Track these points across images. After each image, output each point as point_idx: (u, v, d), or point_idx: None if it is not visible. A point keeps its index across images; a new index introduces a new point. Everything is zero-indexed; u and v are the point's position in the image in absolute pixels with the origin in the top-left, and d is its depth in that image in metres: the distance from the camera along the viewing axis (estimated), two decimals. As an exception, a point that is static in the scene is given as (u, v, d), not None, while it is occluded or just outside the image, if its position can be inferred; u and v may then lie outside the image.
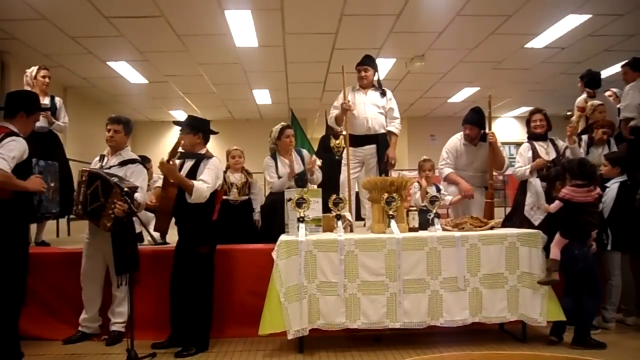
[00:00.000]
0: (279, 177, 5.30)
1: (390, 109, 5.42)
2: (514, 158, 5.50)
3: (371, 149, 5.36)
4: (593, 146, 5.20)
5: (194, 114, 4.63)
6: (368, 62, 5.46)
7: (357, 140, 5.36)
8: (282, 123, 5.55)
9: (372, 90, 5.45)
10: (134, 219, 4.05)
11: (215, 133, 4.44)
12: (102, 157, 4.53)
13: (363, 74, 5.44)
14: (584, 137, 5.30)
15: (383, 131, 5.37)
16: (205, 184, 4.02)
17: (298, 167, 5.30)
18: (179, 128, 4.36)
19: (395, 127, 5.42)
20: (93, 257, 4.37)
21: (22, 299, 3.66)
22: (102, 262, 4.39)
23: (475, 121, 5.37)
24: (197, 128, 4.28)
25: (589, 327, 4.09)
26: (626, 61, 5.91)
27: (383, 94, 5.43)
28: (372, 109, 5.35)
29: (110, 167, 4.35)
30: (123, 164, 4.40)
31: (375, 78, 5.57)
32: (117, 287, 4.31)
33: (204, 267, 4.14)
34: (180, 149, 4.28)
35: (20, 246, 3.63)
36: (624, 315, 4.72)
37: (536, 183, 4.93)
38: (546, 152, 5.09)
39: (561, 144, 5.18)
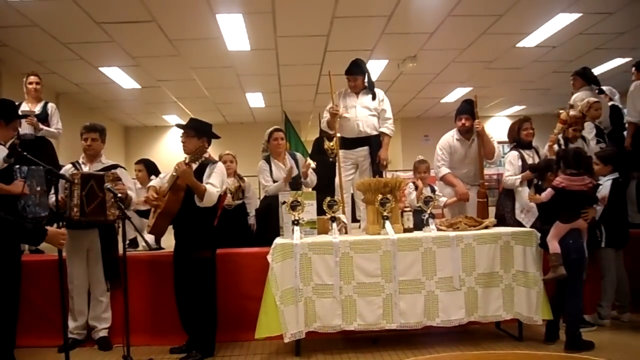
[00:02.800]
0: (274, 181, 5.30)
1: (382, 110, 5.42)
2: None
3: (364, 150, 5.37)
4: (569, 143, 5.26)
5: (196, 117, 4.49)
6: (355, 71, 5.42)
7: (350, 143, 5.37)
8: (274, 126, 5.55)
9: (363, 93, 5.45)
10: (128, 223, 4.04)
11: (217, 137, 4.38)
12: (76, 164, 4.46)
13: (352, 83, 5.45)
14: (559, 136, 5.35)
15: (375, 133, 5.38)
16: (214, 188, 4.01)
17: (295, 171, 5.30)
18: (181, 131, 4.28)
19: (387, 128, 5.41)
20: (81, 265, 4.38)
21: (16, 307, 3.65)
22: (86, 268, 4.41)
23: (470, 111, 5.39)
24: (203, 132, 4.23)
25: (575, 328, 4.01)
26: (637, 61, 6.00)
27: (374, 96, 5.43)
28: (362, 112, 5.35)
29: None
30: (106, 170, 4.40)
31: (370, 80, 5.57)
32: (107, 291, 4.39)
33: (208, 272, 4.13)
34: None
35: (11, 254, 3.61)
36: (618, 312, 4.73)
37: (524, 193, 4.94)
38: (533, 160, 5.13)
39: (543, 152, 5.23)
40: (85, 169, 4.42)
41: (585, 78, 6.01)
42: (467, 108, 5.43)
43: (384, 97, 5.48)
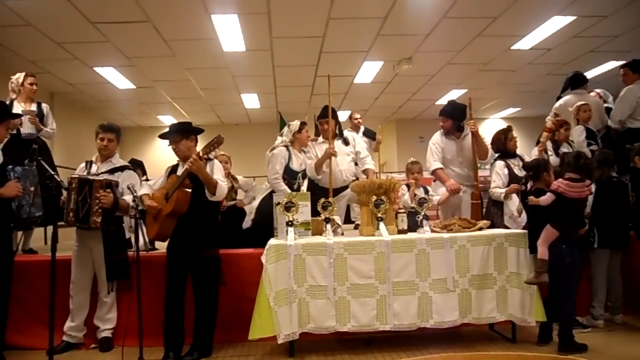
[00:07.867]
0: (291, 170, 5.16)
1: (357, 152, 5.53)
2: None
3: (346, 191, 5.39)
4: (561, 147, 5.36)
5: (177, 121, 4.54)
6: (327, 114, 5.40)
7: (333, 193, 5.17)
8: (301, 120, 5.48)
9: (337, 141, 5.46)
10: (124, 224, 4.03)
11: (201, 131, 4.37)
12: (88, 164, 4.47)
13: (325, 126, 5.44)
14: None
15: (354, 178, 5.46)
16: (223, 182, 4.04)
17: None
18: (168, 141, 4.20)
19: (369, 164, 5.56)
20: (83, 265, 4.33)
21: (5, 307, 3.62)
22: (92, 269, 4.36)
23: (449, 113, 5.43)
24: (189, 131, 4.22)
25: (568, 330, 4.00)
26: (626, 62, 6.00)
27: (346, 141, 5.54)
28: (344, 160, 5.41)
29: (99, 174, 4.31)
30: (113, 171, 4.39)
31: (339, 125, 5.66)
32: (108, 293, 4.30)
33: (214, 271, 4.15)
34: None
35: (2, 254, 3.59)
36: (611, 313, 4.72)
37: (511, 201, 4.93)
38: (519, 169, 5.09)
39: (527, 160, 5.23)
40: (94, 168, 4.41)
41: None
42: (446, 110, 5.50)
43: (354, 138, 5.57)
